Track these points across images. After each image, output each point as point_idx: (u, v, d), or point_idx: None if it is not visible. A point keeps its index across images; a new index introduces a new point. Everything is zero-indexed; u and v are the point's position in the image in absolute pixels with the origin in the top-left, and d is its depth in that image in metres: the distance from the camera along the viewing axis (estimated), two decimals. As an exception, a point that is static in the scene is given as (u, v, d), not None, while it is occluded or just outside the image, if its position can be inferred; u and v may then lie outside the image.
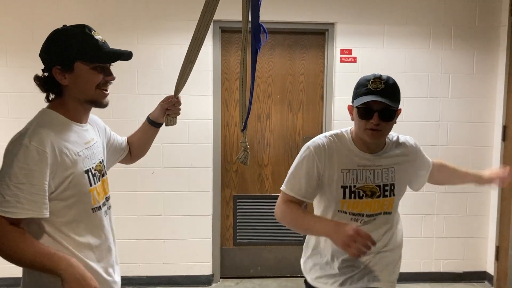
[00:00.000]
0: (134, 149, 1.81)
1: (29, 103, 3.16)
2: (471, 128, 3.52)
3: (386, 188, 1.65)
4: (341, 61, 3.43)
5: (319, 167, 1.61)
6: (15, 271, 1.46)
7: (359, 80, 1.60)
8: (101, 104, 1.40)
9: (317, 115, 3.60)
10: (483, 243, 3.60)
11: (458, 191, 3.54)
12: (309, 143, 1.66)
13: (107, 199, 1.50)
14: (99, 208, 1.41)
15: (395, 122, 1.59)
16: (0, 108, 3.30)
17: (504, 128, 3.42)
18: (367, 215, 1.64)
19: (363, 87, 1.55)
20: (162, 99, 1.70)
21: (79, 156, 1.35)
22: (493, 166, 3.52)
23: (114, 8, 3.30)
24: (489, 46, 3.48)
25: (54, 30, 1.35)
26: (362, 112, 1.54)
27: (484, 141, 3.53)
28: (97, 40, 1.33)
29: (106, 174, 1.52)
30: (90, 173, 1.38)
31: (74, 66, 1.32)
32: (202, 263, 3.50)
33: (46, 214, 1.25)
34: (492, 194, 3.54)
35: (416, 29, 3.44)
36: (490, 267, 3.57)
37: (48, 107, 1.39)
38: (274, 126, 3.59)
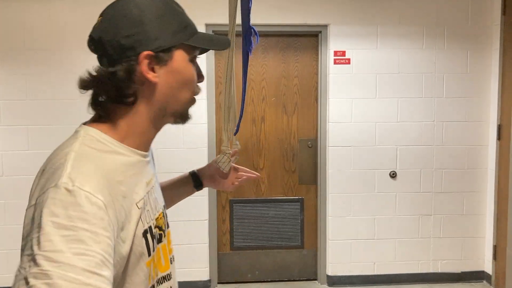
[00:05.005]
0: None
1: (21, 110, 3.10)
2: (466, 128, 3.53)
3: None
4: (335, 62, 3.43)
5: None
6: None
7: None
8: (187, 118, 0.91)
9: (312, 118, 3.59)
10: (480, 242, 3.60)
11: (454, 191, 3.54)
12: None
13: (171, 260, 0.96)
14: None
15: None
16: (-9, 116, 3.26)
17: (499, 127, 3.42)
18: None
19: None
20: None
21: (138, 208, 0.80)
22: (489, 165, 3.53)
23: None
24: (482, 45, 3.49)
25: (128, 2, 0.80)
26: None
27: (480, 140, 3.54)
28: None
29: (168, 226, 1.00)
30: (149, 235, 0.83)
31: (174, 54, 0.82)
32: (199, 268, 3.47)
33: None
34: (489, 193, 3.54)
35: (410, 29, 3.45)
36: (488, 267, 3.57)
37: (90, 125, 0.82)
38: (269, 129, 3.57)
